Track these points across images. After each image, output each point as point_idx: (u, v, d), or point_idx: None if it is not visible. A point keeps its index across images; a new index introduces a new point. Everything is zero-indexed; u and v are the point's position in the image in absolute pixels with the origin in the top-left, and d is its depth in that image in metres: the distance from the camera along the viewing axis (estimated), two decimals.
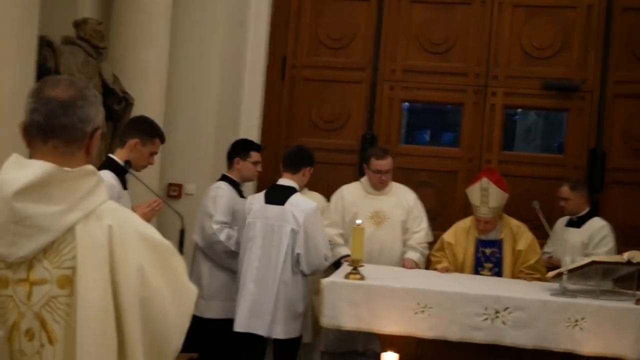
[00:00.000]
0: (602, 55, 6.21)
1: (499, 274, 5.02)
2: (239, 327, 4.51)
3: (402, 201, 5.36)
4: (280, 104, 6.63)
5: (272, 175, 6.25)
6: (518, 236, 5.06)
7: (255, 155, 5.00)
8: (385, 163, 5.25)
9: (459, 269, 5.06)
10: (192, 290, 1.97)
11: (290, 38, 6.60)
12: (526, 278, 4.87)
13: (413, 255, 5.18)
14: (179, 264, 1.94)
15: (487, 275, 5.01)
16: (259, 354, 4.65)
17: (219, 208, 4.76)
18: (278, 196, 4.58)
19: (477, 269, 5.06)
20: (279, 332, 4.48)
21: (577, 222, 5.38)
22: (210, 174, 5.58)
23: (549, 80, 6.26)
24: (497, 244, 5.07)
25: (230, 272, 4.82)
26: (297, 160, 4.68)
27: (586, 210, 5.39)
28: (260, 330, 4.46)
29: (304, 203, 4.57)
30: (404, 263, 5.16)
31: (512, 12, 6.34)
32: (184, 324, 1.91)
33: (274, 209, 4.54)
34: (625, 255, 4.38)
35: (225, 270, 4.83)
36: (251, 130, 6.24)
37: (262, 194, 4.71)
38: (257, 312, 4.46)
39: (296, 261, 4.49)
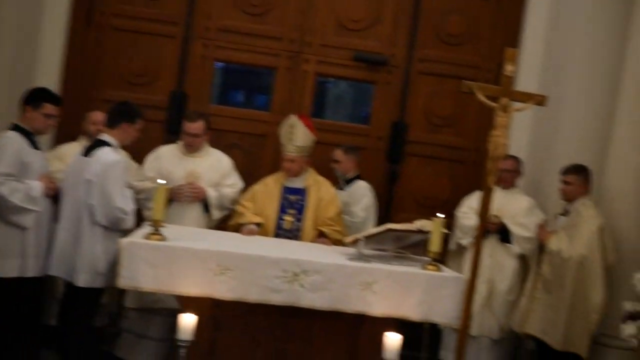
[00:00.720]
0: (410, 33, 6.52)
1: (300, 220, 5.23)
2: (51, 270, 4.59)
3: (216, 164, 5.47)
4: (85, 53, 6.22)
5: (75, 129, 5.92)
6: (322, 187, 5.35)
7: (48, 107, 4.64)
8: (195, 126, 5.32)
9: (265, 217, 5.22)
10: None
11: None
12: (326, 242, 5.07)
13: (210, 189, 5.31)
14: None
15: (290, 221, 5.22)
16: (71, 300, 4.63)
17: (4, 159, 4.40)
18: (91, 149, 4.61)
19: (280, 215, 5.25)
20: (80, 281, 4.46)
21: (343, 186, 5.83)
22: (2, 124, 5.12)
23: (360, 52, 6.46)
24: (302, 191, 5.30)
25: (18, 227, 4.48)
26: (114, 115, 4.68)
27: (353, 174, 5.87)
28: (68, 276, 4.52)
29: (105, 156, 4.53)
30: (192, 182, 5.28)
31: None
32: None
33: (82, 160, 4.58)
34: (417, 224, 4.67)
35: (12, 226, 4.47)
36: (49, 79, 5.75)
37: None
38: (65, 259, 4.52)
39: (92, 212, 4.45)
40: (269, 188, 5.32)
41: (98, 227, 4.46)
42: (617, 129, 5.40)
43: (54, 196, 4.63)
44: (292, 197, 5.28)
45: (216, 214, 5.36)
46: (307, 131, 5.25)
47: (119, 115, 4.66)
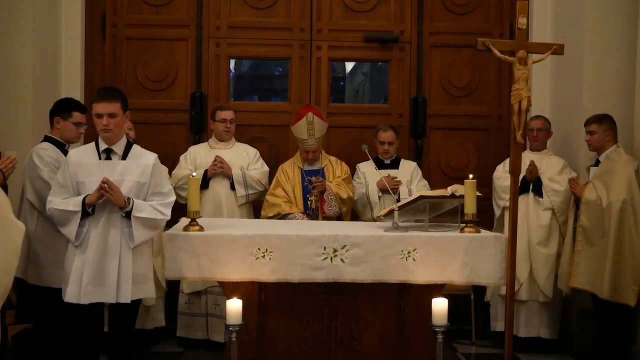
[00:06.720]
0: (418, 7, 6.52)
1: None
2: None
3: (244, 154, 5.77)
4: (104, 65, 6.33)
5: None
6: (337, 166, 5.75)
7: (78, 116, 4.73)
8: (228, 113, 5.76)
9: (293, 201, 5.56)
10: (19, 226, 1.85)
11: None
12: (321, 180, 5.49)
13: (235, 168, 5.60)
14: (3, 199, 1.80)
15: (315, 201, 5.54)
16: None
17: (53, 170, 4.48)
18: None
19: (305, 196, 5.59)
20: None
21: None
22: (31, 139, 5.22)
23: (370, 33, 6.48)
24: (320, 172, 5.68)
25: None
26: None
27: None
28: None
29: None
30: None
31: None
32: (12, 262, 1.78)
33: None
34: (449, 189, 4.64)
35: (58, 238, 4.50)
36: (73, 93, 5.85)
37: None
38: None
39: None
40: (289, 175, 5.64)
41: None
42: None
43: None
44: (313, 179, 5.59)
45: (240, 191, 5.57)
46: (322, 122, 5.59)
47: None
